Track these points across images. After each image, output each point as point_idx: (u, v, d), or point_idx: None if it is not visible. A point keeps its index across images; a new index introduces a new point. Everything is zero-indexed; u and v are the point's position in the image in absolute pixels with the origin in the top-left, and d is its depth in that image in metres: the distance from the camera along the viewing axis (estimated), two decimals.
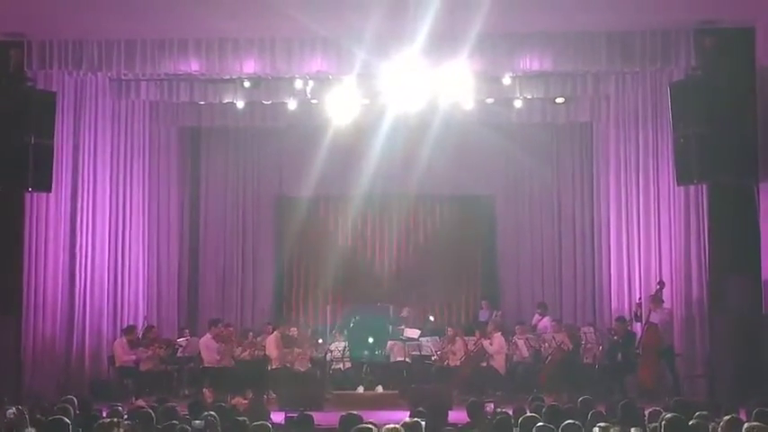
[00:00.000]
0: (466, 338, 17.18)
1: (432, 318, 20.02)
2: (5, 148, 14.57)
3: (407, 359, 17.03)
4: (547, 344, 16.77)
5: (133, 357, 16.28)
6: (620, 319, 16.84)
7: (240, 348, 16.61)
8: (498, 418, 9.74)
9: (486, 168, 20.91)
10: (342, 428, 9.07)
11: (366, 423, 8.65)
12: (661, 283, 16.19)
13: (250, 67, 15.48)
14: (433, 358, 17.10)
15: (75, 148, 16.87)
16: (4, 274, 15.27)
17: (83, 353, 16.81)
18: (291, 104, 18.06)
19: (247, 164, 21.48)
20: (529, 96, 17.82)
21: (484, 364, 16.72)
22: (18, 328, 15.47)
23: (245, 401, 14.75)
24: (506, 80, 16.94)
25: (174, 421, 9.35)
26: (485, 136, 19.51)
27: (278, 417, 11.92)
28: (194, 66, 15.39)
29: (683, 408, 9.71)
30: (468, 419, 10.38)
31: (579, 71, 16.64)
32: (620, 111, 18.14)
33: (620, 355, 16.26)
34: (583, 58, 15.20)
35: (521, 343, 17.00)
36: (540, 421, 8.82)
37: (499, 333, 16.94)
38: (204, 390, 15.87)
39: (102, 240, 17.45)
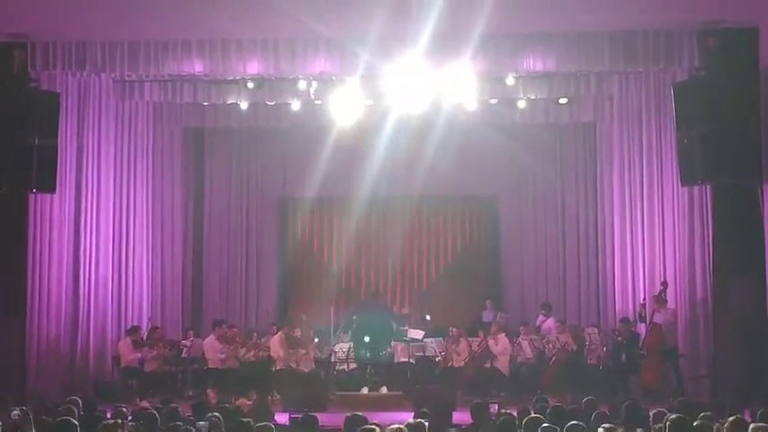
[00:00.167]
0: (470, 339, 17.18)
1: (428, 317, 20.00)
2: (9, 149, 14.57)
3: (411, 360, 17.02)
4: (551, 345, 16.77)
5: (138, 356, 16.29)
6: (624, 319, 16.84)
7: (244, 349, 16.62)
8: (502, 419, 9.76)
9: (489, 169, 20.90)
10: (347, 429, 9.08)
11: (370, 424, 8.66)
12: (664, 284, 16.18)
13: (253, 67, 15.47)
14: (437, 359, 17.11)
15: (79, 148, 16.88)
16: (9, 275, 15.28)
17: (87, 354, 16.82)
18: (295, 105, 18.06)
19: (251, 165, 21.49)
20: (532, 97, 17.82)
21: (488, 365, 16.72)
22: (22, 329, 15.47)
23: (250, 402, 14.73)
24: (509, 81, 16.93)
25: (178, 422, 9.37)
26: (488, 136, 19.51)
27: (282, 418, 11.94)
28: (198, 67, 15.39)
29: (688, 408, 9.71)
30: (472, 420, 10.38)
31: (582, 71, 16.63)
32: (623, 111, 18.15)
33: (624, 356, 16.28)
34: (586, 58, 15.19)
35: (525, 344, 17.00)
36: (544, 422, 8.83)
37: (503, 334, 16.94)
38: (208, 391, 15.87)
39: (106, 241, 17.46)
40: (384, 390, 16.39)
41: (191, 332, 18.26)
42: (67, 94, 16.24)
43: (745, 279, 14.69)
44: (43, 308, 15.95)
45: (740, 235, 14.73)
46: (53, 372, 15.97)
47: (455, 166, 20.15)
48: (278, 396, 15.79)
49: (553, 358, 16.52)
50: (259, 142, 21.18)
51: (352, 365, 17.09)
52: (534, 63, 15.34)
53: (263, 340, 17.14)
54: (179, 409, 10.33)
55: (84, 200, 16.93)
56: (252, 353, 16.61)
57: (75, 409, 10.00)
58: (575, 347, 16.48)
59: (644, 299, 16.82)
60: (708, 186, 15.11)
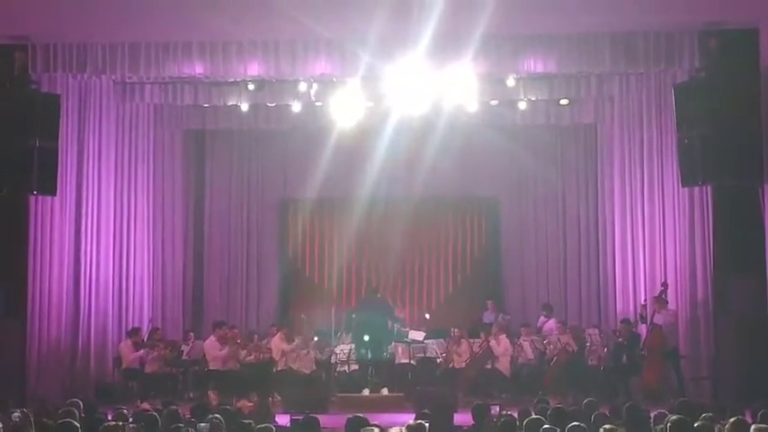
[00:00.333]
0: (471, 340, 17.18)
1: (427, 316, 20.03)
2: (10, 152, 14.58)
3: (412, 361, 17.02)
4: (552, 346, 16.77)
5: (140, 354, 16.29)
6: (625, 320, 16.84)
7: (245, 351, 16.62)
8: (503, 420, 9.75)
9: (490, 170, 20.89)
10: (348, 431, 9.07)
11: (371, 426, 8.65)
12: (665, 285, 16.18)
13: (254, 69, 15.49)
14: (438, 360, 17.11)
15: (80, 150, 16.89)
16: (9, 278, 15.28)
17: (88, 355, 16.83)
18: (296, 107, 18.06)
19: (252, 166, 21.48)
20: (533, 98, 17.81)
21: (489, 366, 16.71)
22: (23, 330, 15.48)
23: (250, 404, 14.73)
24: (510, 82, 16.93)
25: (180, 424, 9.36)
26: (489, 138, 19.49)
27: (283, 419, 11.93)
28: (198, 69, 15.40)
29: (688, 409, 9.70)
30: (473, 422, 10.38)
31: (583, 73, 16.63)
32: (624, 112, 18.16)
33: (625, 357, 16.27)
34: (587, 59, 15.20)
35: (526, 345, 17.01)
36: (545, 423, 8.83)
37: (504, 335, 16.94)
38: (209, 392, 15.86)
39: (107, 243, 17.47)
40: (385, 391, 16.38)
41: (191, 334, 18.27)
42: (68, 97, 16.26)
43: (746, 280, 14.69)
44: (44, 310, 15.95)
45: (741, 236, 14.72)
46: (54, 374, 15.98)
47: (456, 168, 20.14)
48: (279, 398, 15.79)
49: (554, 359, 16.52)
50: (260, 144, 21.16)
51: (353, 367, 17.09)
52: (535, 64, 15.36)
53: (263, 342, 17.14)
54: (180, 410, 10.32)
55: (84, 202, 16.93)
56: (253, 355, 16.62)
57: (76, 411, 10.00)
58: (575, 348, 16.48)
59: (645, 300, 16.81)
60: (708, 187, 15.12)
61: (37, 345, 15.79)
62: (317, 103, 17.47)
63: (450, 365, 16.90)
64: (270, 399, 15.58)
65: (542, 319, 18.68)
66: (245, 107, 18.18)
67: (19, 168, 14.63)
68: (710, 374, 15.27)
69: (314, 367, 16.81)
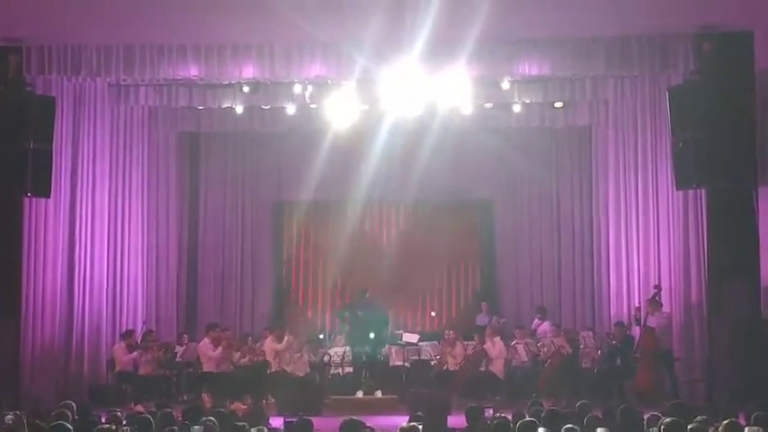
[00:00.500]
0: (465, 343, 17.21)
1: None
2: (4, 154, 14.56)
3: (406, 363, 17.03)
4: (546, 348, 16.78)
5: (134, 356, 16.28)
6: (619, 323, 16.88)
7: (239, 354, 16.61)
8: (497, 422, 9.74)
9: (484, 173, 20.89)
10: None
11: (365, 428, 8.65)
12: (657, 287, 16.22)
13: (249, 72, 15.49)
14: (432, 362, 17.12)
15: (74, 153, 16.88)
16: (4, 279, 15.26)
17: (82, 358, 16.81)
18: (290, 109, 18.05)
19: (246, 168, 21.47)
20: (527, 101, 17.84)
21: (483, 369, 16.72)
22: (17, 332, 15.46)
23: (244, 407, 14.72)
24: (505, 85, 16.95)
25: (174, 427, 9.35)
26: (483, 140, 19.49)
27: (277, 422, 11.92)
28: (193, 71, 15.40)
29: (680, 411, 9.72)
30: (467, 424, 10.38)
31: (577, 76, 16.64)
32: (618, 115, 18.17)
33: (618, 360, 16.29)
34: (581, 62, 15.22)
35: (520, 347, 17.02)
36: (538, 426, 8.84)
37: (498, 337, 16.96)
38: (203, 395, 15.85)
39: (101, 245, 17.45)
40: (379, 393, 16.38)
41: (185, 336, 18.25)
42: (63, 99, 16.24)
43: (740, 282, 14.72)
44: (38, 311, 15.94)
45: (735, 238, 14.75)
46: (47, 376, 15.96)
47: (450, 170, 20.15)
48: (272, 400, 15.78)
49: (548, 362, 16.53)
50: (254, 146, 21.15)
51: (348, 369, 17.09)
52: (529, 67, 15.37)
53: (257, 345, 17.13)
54: (173, 413, 10.30)
55: (79, 204, 16.93)
56: (247, 357, 16.60)
57: (70, 414, 10.00)
58: (570, 351, 16.50)
59: (639, 302, 16.83)
60: (702, 190, 15.14)
61: (30, 346, 15.78)
62: (312, 106, 17.48)
63: (444, 368, 16.92)
64: (264, 401, 15.57)
65: (536, 321, 18.69)
66: (239, 109, 18.17)
67: (13, 170, 14.62)
68: (704, 377, 15.29)
69: (308, 369, 16.81)
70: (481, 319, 19.55)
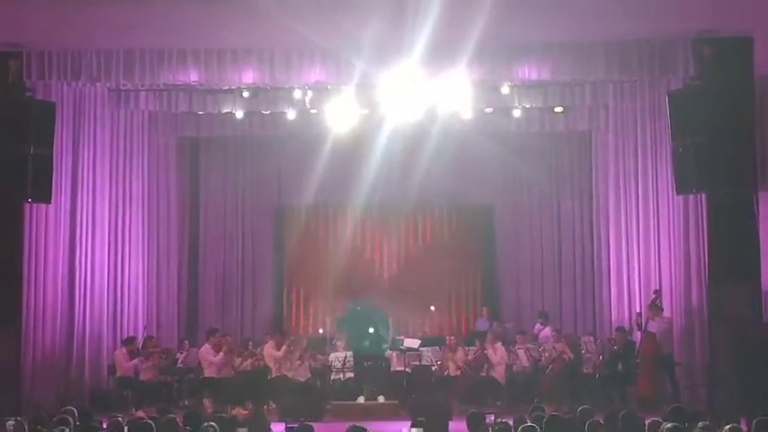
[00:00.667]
0: (466, 348, 17.20)
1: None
2: (5, 159, 14.56)
3: (407, 369, 17.01)
4: (547, 353, 16.77)
5: (135, 362, 16.26)
6: (620, 328, 16.88)
7: (240, 359, 16.60)
8: (498, 428, 9.74)
9: (484, 177, 20.88)
10: None
11: None
12: (657, 292, 16.22)
13: (249, 77, 15.47)
14: (433, 368, 17.10)
15: (75, 158, 16.88)
16: (4, 285, 15.23)
17: (82, 363, 16.80)
18: (290, 114, 18.07)
19: (246, 173, 21.47)
20: (527, 106, 17.84)
21: (484, 374, 16.71)
22: (18, 338, 15.42)
23: (246, 412, 14.73)
24: (505, 89, 16.96)
25: None
26: (483, 145, 19.49)
27: (278, 427, 11.92)
28: (193, 76, 15.38)
29: (680, 415, 9.72)
30: (468, 430, 10.37)
31: (577, 80, 16.65)
32: (618, 120, 18.21)
33: (620, 365, 16.28)
34: (581, 67, 15.21)
35: (521, 352, 17.00)
36: (540, 431, 8.81)
37: (500, 343, 16.94)
38: (204, 400, 15.84)
39: (102, 250, 17.45)
40: (381, 399, 16.33)
41: (186, 342, 18.24)
42: (63, 104, 16.24)
43: (741, 287, 14.70)
44: (39, 317, 15.92)
45: (735, 243, 14.73)
46: (48, 381, 15.94)
47: (450, 175, 20.13)
48: (274, 405, 15.77)
49: (550, 367, 16.51)
50: (254, 151, 21.13)
51: (348, 375, 17.07)
52: (529, 72, 15.37)
53: (258, 350, 17.11)
54: (175, 419, 10.29)
55: (79, 209, 16.92)
56: (248, 362, 16.59)
57: (71, 419, 9.99)
58: (572, 356, 16.48)
59: (640, 307, 16.82)
60: (703, 195, 15.13)
61: (31, 352, 15.75)
62: (312, 111, 17.48)
63: (446, 373, 16.90)
64: (265, 406, 15.57)
65: (538, 326, 18.69)
66: (239, 114, 18.19)
67: (14, 176, 14.61)
68: (705, 382, 15.27)
69: (309, 375, 16.79)
70: (482, 324, 19.56)
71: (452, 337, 17.48)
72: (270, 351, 16.61)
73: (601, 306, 19.29)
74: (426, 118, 16.68)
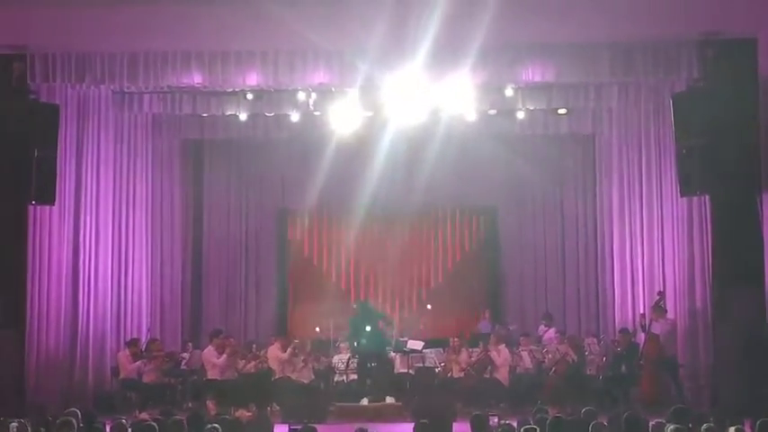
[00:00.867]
0: (470, 350, 17.20)
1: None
2: (9, 161, 14.56)
3: (410, 371, 17.01)
4: (551, 355, 16.76)
5: (138, 364, 16.27)
6: (624, 330, 16.86)
7: (244, 361, 16.61)
8: (501, 430, 9.74)
9: (488, 179, 20.87)
10: None
11: None
12: (660, 293, 16.22)
13: (253, 79, 15.47)
14: (436, 370, 17.10)
15: (78, 160, 16.89)
16: (8, 287, 15.23)
17: (86, 365, 16.81)
18: (294, 116, 18.08)
19: (250, 176, 21.50)
20: (531, 108, 17.83)
21: (487, 376, 16.70)
22: (21, 340, 15.42)
23: (249, 414, 14.74)
24: (509, 92, 16.95)
25: None
26: (487, 147, 19.49)
27: (281, 429, 11.93)
28: (197, 78, 15.38)
29: (683, 416, 9.72)
30: None
31: (582, 82, 16.63)
32: (622, 122, 18.22)
33: (623, 367, 16.26)
34: (585, 69, 15.19)
35: (524, 354, 17.00)
36: None
37: (504, 345, 16.93)
38: (208, 402, 15.84)
39: (105, 253, 17.46)
40: (391, 400, 16.23)
41: (189, 344, 18.25)
42: (67, 106, 16.25)
43: (745, 289, 14.66)
44: (42, 319, 15.92)
45: (739, 245, 14.70)
46: (52, 383, 15.93)
47: (454, 177, 20.15)
48: (277, 407, 15.77)
49: (553, 369, 16.50)
50: (258, 153, 21.12)
51: (352, 376, 17.07)
52: (533, 74, 15.34)
53: (262, 352, 17.11)
54: (182, 421, 10.26)
55: (83, 211, 16.93)
56: (251, 364, 16.60)
57: (75, 421, 9.98)
58: (575, 358, 16.47)
59: (644, 309, 16.81)
60: (707, 197, 15.12)
61: (35, 354, 15.75)
62: (316, 113, 17.50)
63: (449, 375, 16.89)
64: (268, 408, 15.57)
65: (542, 328, 18.69)
66: (243, 117, 18.20)
67: (18, 178, 14.60)
68: (709, 383, 15.26)
69: (312, 377, 16.78)
70: (484, 326, 19.57)
71: (456, 339, 17.46)
72: (275, 353, 16.60)
73: (604, 308, 19.29)
74: (430, 120, 16.71)
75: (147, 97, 17.72)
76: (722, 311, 14.96)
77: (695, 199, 15.40)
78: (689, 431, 8.90)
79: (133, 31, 14.18)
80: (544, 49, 15.09)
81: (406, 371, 17.06)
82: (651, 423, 9.70)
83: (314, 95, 16.98)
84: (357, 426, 9.54)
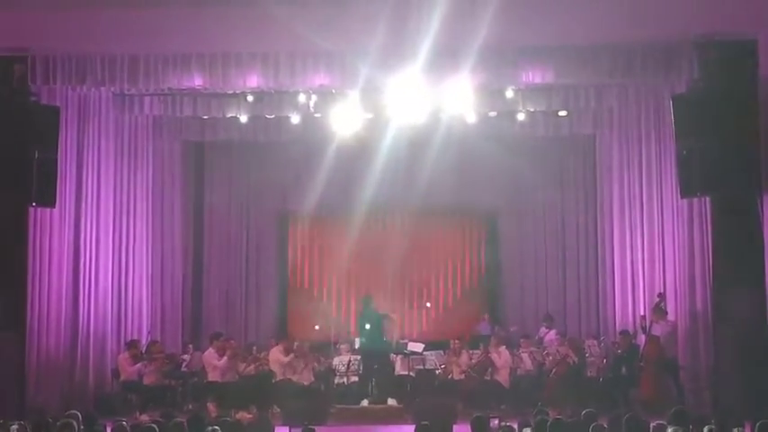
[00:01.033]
0: (471, 352, 17.21)
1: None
2: (9, 163, 14.57)
3: (411, 373, 17.01)
4: (551, 357, 16.76)
5: (138, 367, 16.27)
6: (624, 332, 16.86)
7: (244, 364, 16.61)
8: None
9: (489, 181, 20.87)
10: None
11: None
12: (661, 295, 16.22)
13: (253, 81, 15.47)
14: (437, 372, 17.10)
15: (79, 162, 16.89)
16: (8, 289, 15.24)
17: (87, 367, 16.80)
18: (295, 119, 18.08)
19: (251, 178, 21.50)
20: (531, 109, 17.83)
21: (488, 378, 16.70)
22: (22, 341, 15.42)
23: (250, 416, 14.73)
24: (509, 93, 16.95)
25: None
26: (488, 149, 19.49)
27: (282, 431, 11.91)
28: (198, 80, 15.38)
29: (684, 418, 9.71)
30: None
31: (582, 84, 16.64)
32: (622, 123, 18.21)
33: (624, 369, 16.26)
34: (585, 70, 15.17)
35: (525, 356, 17.01)
36: None
37: (504, 347, 16.93)
38: (208, 404, 15.84)
39: (106, 255, 17.47)
40: (393, 402, 16.20)
41: (190, 346, 18.25)
42: (67, 108, 16.24)
43: (745, 290, 14.67)
44: (43, 321, 15.91)
45: (740, 246, 14.70)
46: (53, 385, 15.93)
47: (454, 179, 20.16)
48: (278, 409, 15.77)
49: (553, 370, 16.50)
50: (259, 155, 21.11)
51: (353, 378, 17.07)
52: (533, 76, 15.34)
53: (262, 354, 17.12)
54: (183, 423, 10.26)
55: (83, 213, 16.93)
56: (252, 366, 16.60)
57: (75, 423, 9.97)
58: (576, 360, 16.47)
59: (644, 311, 16.81)
60: (707, 198, 15.12)
61: (36, 356, 15.74)
62: (317, 115, 17.49)
63: (450, 377, 16.89)
64: (269, 411, 15.57)
65: (543, 329, 18.70)
66: (244, 119, 18.18)
67: (18, 180, 14.61)
68: (710, 385, 15.25)
69: (312, 378, 16.79)
70: (483, 328, 19.58)
71: (457, 341, 17.46)
72: (277, 356, 16.60)
73: (605, 309, 19.28)
74: (430, 122, 16.71)
75: (147, 99, 17.72)
76: (723, 313, 14.96)
77: (695, 200, 15.39)
78: None
79: (134, 33, 14.20)
80: (544, 51, 15.09)
81: (406, 373, 17.06)
82: (652, 425, 9.70)
83: (314, 97, 16.98)
84: (357, 428, 9.53)
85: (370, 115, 16.93)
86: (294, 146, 19.91)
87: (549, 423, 9.78)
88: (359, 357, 17.15)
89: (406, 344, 17.93)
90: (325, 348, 18.21)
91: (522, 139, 19.73)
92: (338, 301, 21.15)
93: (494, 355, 16.68)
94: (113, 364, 17.02)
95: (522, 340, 17.70)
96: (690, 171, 14.55)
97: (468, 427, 10.49)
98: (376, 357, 16.95)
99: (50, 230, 16.06)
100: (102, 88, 16.22)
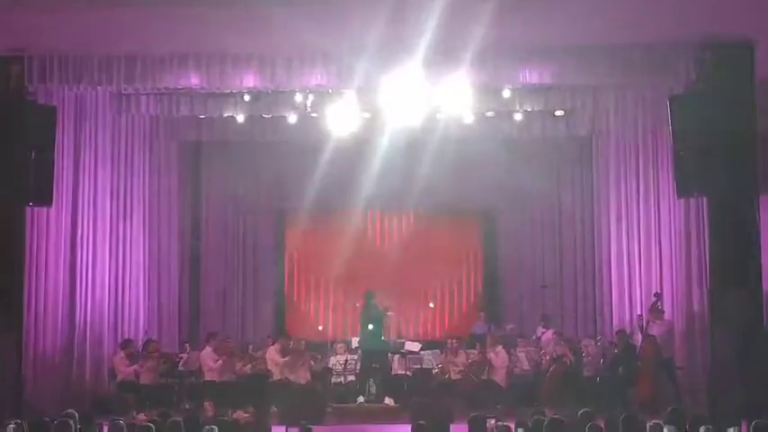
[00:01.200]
0: (468, 351, 17.21)
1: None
2: (6, 163, 14.54)
3: (408, 372, 17.01)
4: (548, 356, 16.77)
5: (134, 368, 16.26)
6: (621, 331, 16.86)
7: (241, 363, 16.60)
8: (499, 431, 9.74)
9: (486, 181, 20.85)
10: None
11: None
12: (657, 295, 16.23)
13: (250, 81, 15.45)
14: (434, 371, 17.11)
15: (76, 162, 16.90)
16: (5, 289, 15.22)
17: (83, 367, 16.81)
18: (291, 118, 18.09)
19: (248, 177, 21.50)
20: (529, 109, 17.83)
21: (485, 378, 16.71)
22: (19, 342, 15.40)
23: (247, 415, 14.73)
24: (506, 93, 16.94)
25: None
26: (485, 149, 19.48)
27: (279, 430, 11.92)
28: (194, 80, 15.37)
29: (680, 418, 9.72)
30: None
31: (579, 84, 16.63)
32: (619, 124, 18.20)
33: (621, 368, 16.27)
34: (583, 71, 15.16)
35: (522, 356, 17.02)
36: None
37: (501, 346, 16.94)
38: (205, 404, 15.84)
39: (103, 255, 17.46)
40: (389, 401, 16.20)
41: (187, 345, 18.25)
42: (64, 108, 16.23)
43: (742, 290, 14.67)
44: (39, 321, 15.94)
45: (736, 247, 14.70)
46: (49, 385, 15.94)
47: (452, 179, 20.16)
48: (275, 409, 15.76)
49: (551, 370, 16.51)
50: (256, 155, 21.10)
51: (350, 377, 17.07)
52: (531, 76, 15.33)
53: (259, 354, 17.11)
54: (180, 423, 10.26)
55: (80, 213, 16.94)
56: (249, 365, 16.59)
57: (72, 423, 9.99)
58: (572, 359, 16.48)
59: (641, 310, 16.83)
60: (704, 199, 15.13)
61: (32, 355, 15.77)
62: (313, 115, 17.48)
63: (447, 377, 16.90)
64: (266, 410, 15.56)
65: (541, 329, 18.69)
66: (241, 118, 18.18)
67: (15, 179, 14.59)
68: (707, 385, 15.26)
69: (309, 377, 16.78)
70: (479, 328, 19.57)
71: (454, 341, 17.46)
72: (273, 356, 16.59)
73: (602, 309, 19.28)
74: (427, 122, 16.70)
75: (144, 99, 17.69)
76: (719, 313, 14.96)
77: (692, 201, 15.41)
78: None
79: (130, 32, 14.17)
80: (542, 51, 15.08)
81: (403, 372, 17.06)
82: (648, 424, 9.71)
83: (311, 97, 16.98)
84: (354, 427, 9.53)
85: (367, 115, 16.94)
86: (291, 145, 19.90)
87: (545, 423, 9.79)
88: (356, 357, 17.16)
89: (404, 343, 17.94)
90: (321, 347, 18.21)
91: (520, 140, 19.74)
92: (335, 299, 21.12)
93: (491, 355, 16.69)
94: (110, 363, 17.01)
95: (518, 340, 17.71)
96: (687, 172, 14.54)
97: (465, 426, 10.51)
98: (375, 356, 16.94)
99: (47, 230, 16.08)
100: (99, 88, 16.17)
